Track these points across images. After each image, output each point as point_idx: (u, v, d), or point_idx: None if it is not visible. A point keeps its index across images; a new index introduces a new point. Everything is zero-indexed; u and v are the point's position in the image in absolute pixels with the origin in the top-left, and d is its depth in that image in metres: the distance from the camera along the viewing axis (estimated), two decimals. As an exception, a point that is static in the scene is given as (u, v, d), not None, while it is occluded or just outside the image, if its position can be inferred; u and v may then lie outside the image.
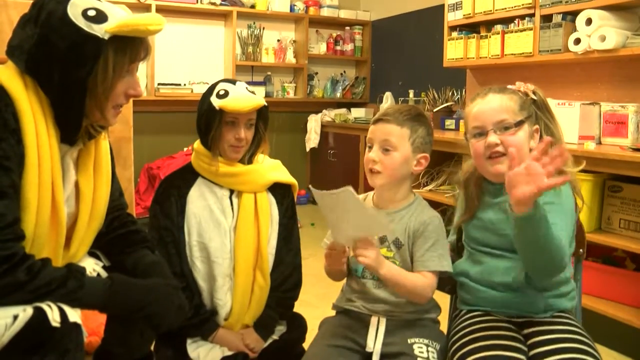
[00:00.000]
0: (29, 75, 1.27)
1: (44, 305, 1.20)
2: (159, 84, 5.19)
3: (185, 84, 5.30)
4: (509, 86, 1.59)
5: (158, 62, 5.20)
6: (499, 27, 3.65)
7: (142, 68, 5.10)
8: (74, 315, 1.24)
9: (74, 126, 1.31)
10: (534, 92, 1.59)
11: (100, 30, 1.24)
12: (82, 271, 1.31)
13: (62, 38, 1.23)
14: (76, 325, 1.25)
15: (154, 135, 5.28)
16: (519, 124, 1.51)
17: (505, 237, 1.54)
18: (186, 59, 5.42)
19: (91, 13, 1.26)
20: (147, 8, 4.99)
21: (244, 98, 1.76)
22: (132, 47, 1.32)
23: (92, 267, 1.47)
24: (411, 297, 1.60)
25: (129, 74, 1.35)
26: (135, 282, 1.42)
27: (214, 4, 5.33)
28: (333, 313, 1.78)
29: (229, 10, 5.41)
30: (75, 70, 1.24)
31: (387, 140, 1.59)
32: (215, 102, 1.75)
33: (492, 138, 1.52)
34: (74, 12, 1.25)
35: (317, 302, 2.51)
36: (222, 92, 1.77)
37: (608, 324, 2.65)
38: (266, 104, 1.83)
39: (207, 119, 1.77)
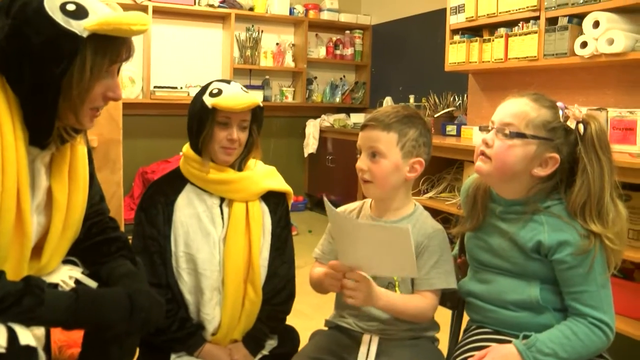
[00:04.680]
0: None
1: None
2: (154, 87, 5.11)
3: (181, 87, 5.21)
4: (559, 103, 1.42)
5: (154, 65, 5.12)
6: (502, 31, 3.56)
7: (137, 71, 5.06)
8: (27, 337, 1.13)
9: (45, 129, 1.21)
10: (584, 123, 1.38)
11: (79, 27, 1.14)
12: (41, 286, 1.19)
13: (37, 32, 1.12)
14: (28, 349, 1.13)
15: (149, 139, 5.21)
16: (519, 136, 1.37)
17: (516, 265, 1.43)
18: (183, 61, 5.35)
19: (70, 7, 1.15)
20: (143, 9, 4.92)
21: (238, 96, 1.67)
22: (113, 47, 1.20)
23: (67, 275, 1.36)
24: (414, 320, 1.50)
25: (109, 76, 1.24)
26: (103, 293, 1.31)
27: (212, 6, 5.27)
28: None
29: (227, 13, 5.34)
30: (49, 69, 1.14)
31: (374, 147, 1.48)
32: (208, 100, 1.66)
33: (487, 136, 1.43)
34: (51, 4, 1.14)
35: (311, 312, 2.43)
36: (215, 91, 1.68)
37: (616, 338, 2.55)
38: (261, 104, 1.74)
39: (199, 119, 1.68)
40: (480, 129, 1.49)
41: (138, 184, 4.92)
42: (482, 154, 1.43)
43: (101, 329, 1.26)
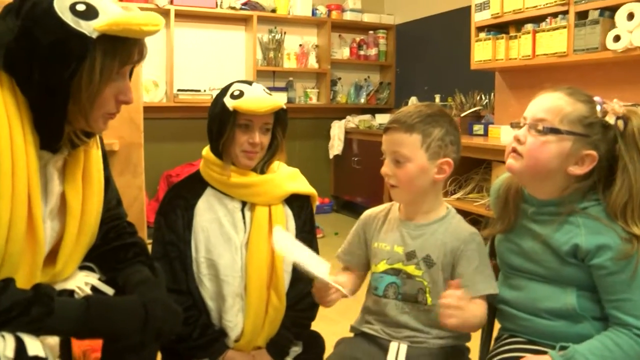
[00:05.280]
0: (6, 73, 1.13)
1: None
2: (178, 90, 5.12)
3: (205, 90, 5.21)
4: (596, 97, 1.35)
5: (177, 68, 5.14)
6: (529, 27, 3.48)
7: (161, 74, 5.06)
8: (36, 347, 1.09)
9: (54, 132, 1.17)
10: (624, 119, 1.30)
11: (89, 28, 1.10)
12: (50, 294, 1.15)
13: (46, 33, 1.09)
14: None
15: (173, 142, 5.21)
16: (554, 132, 1.30)
17: (551, 270, 1.35)
18: (206, 64, 5.35)
19: (80, 7, 1.11)
20: (166, 13, 4.93)
21: (260, 99, 1.62)
22: (123, 48, 1.16)
23: (83, 281, 1.33)
24: (471, 331, 1.44)
25: (120, 78, 1.20)
26: (116, 302, 1.27)
27: (234, 8, 5.26)
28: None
29: (249, 15, 5.32)
30: (58, 71, 1.10)
31: (397, 152, 1.42)
32: (229, 102, 1.61)
33: (519, 132, 1.35)
34: (60, 5, 1.10)
35: (337, 317, 2.37)
36: (236, 93, 1.63)
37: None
38: (284, 106, 1.68)
39: (219, 122, 1.63)
40: (512, 126, 1.41)
41: (163, 188, 4.93)
42: (514, 150, 1.36)
43: (114, 339, 1.22)
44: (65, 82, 1.11)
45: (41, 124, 1.16)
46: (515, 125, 1.39)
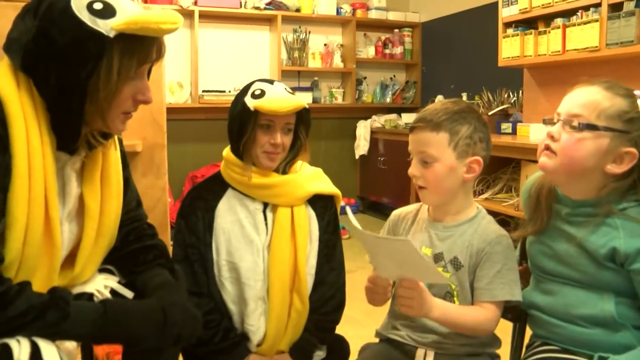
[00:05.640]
0: (24, 74, 1.11)
1: (11, 341, 1.02)
2: (203, 91, 5.12)
3: (230, 91, 5.19)
4: (636, 91, 1.27)
5: (202, 69, 5.14)
6: (559, 21, 3.39)
7: (185, 75, 5.07)
8: (51, 352, 1.06)
9: (71, 133, 1.15)
10: None
11: (106, 27, 1.08)
12: (66, 298, 1.12)
13: (62, 33, 1.07)
14: None
15: (198, 143, 5.21)
16: (590, 128, 1.23)
17: (586, 275, 1.29)
18: (231, 65, 5.34)
19: (97, 6, 1.09)
20: (189, 14, 4.93)
21: (282, 98, 1.58)
22: (141, 47, 1.14)
23: (102, 284, 1.31)
24: (472, 334, 1.38)
25: (138, 77, 1.18)
26: (133, 306, 1.24)
27: (258, 8, 5.25)
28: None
29: (273, 15, 5.30)
30: (75, 71, 1.08)
31: (424, 152, 1.37)
32: (250, 102, 1.57)
33: (553, 128, 1.29)
34: (78, 4, 1.09)
35: (363, 319, 2.33)
36: (257, 92, 1.59)
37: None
38: (307, 106, 1.64)
39: (240, 122, 1.59)
40: (545, 122, 1.35)
41: (188, 189, 4.92)
42: (547, 148, 1.29)
43: (131, 344, 1.19)
44: (83, 81, 1.09)
45: (58, 124, 1.14)
46: (549, 122, 1.33)
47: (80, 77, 1.08)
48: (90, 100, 1.11)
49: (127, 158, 1.42)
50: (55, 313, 1.08)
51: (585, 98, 1.26)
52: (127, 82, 1.15)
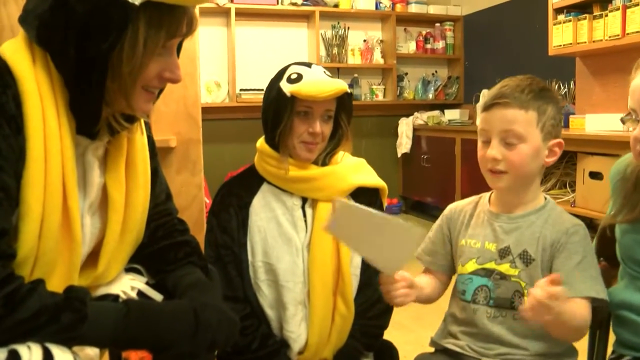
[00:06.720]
0: (40, 47, 1.01)
1: (21, 348, 0.91)
2: (240, 90, 5.08)
3: (268, 90, 5.13)
4: None
5: (239, 68, 5.10)
6: (618, 2, 3.19)
7: (223, 74, 5.00)
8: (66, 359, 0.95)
9: (91, 114, 1.04)
10: None
11: None
12: (83, 299, 1.00)
13: (82, 1, 0.96)
14: None
15: (237, 143, 5.16)
16: None
17: None
18: (268, 63, 5.25)
19: None
20: (226, 12, 4.89)
21: (321, 82, 1.45)
22: (170, 18, 1.02)
23: (129, 285, 1.20)
24: (572, 336, 1.22)
25: (166, 53, 1.06)
26: (161, 307, 1.13)
27: (295, 4, 5.19)
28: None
29: (311, 11, 5.23)
30: (95, 42, 0.97)
31: (511, 131, 1.23)
32: (286, 87, 1.44)
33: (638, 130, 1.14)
34: None
35: (411, 324, 2.22)
36: (294, 76, 1.46)
37: None
38: (349, 90, 1.50)
39: (275, 109, 1.47)
40: (623, 121, 1.21)
41: (224, 188, 4.92)
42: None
43: (159, 349, 1.07)
44: (104, 55, 0.98)
45: (77, 104, 1.03)
46: (628, 117, 1.18)
47: (102, 49, 0.97)
48: (112, 77, 1.01)
49: (155, 146, 1.31)
50: (71, 315, 0.96)
51: None
52: (154, 57, 1.04)
